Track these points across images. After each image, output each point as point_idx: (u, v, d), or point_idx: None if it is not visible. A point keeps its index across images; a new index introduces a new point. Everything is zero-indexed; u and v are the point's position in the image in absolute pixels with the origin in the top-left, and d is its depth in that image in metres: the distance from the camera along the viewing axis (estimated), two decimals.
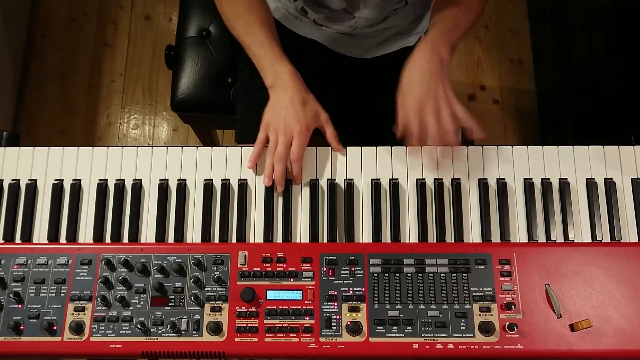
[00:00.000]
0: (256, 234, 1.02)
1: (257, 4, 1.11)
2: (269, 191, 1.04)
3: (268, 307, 0.94)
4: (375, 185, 1.04)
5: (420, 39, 1.06)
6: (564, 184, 1.04)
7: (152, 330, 0.93)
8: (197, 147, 1.07)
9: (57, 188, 1.04)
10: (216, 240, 1.02)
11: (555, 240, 1.01)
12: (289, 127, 1.02)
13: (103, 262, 0.96)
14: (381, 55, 1.31)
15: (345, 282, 0.95)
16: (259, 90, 1.30)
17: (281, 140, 1.02)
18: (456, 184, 1.04)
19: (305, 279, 0.95)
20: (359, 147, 1.07)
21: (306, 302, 0.94)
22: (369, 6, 1.14)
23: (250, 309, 0.94)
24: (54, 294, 0.95)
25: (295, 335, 0.93)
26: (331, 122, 1.07)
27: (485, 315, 0.93)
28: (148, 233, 1.02)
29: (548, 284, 0.95)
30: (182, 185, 1.04)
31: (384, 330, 0.93)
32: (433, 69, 1.01)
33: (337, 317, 0.93)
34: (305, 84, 1.07)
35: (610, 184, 1.04)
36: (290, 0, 1.23)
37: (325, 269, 0.96)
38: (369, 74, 1.33)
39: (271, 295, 0.95)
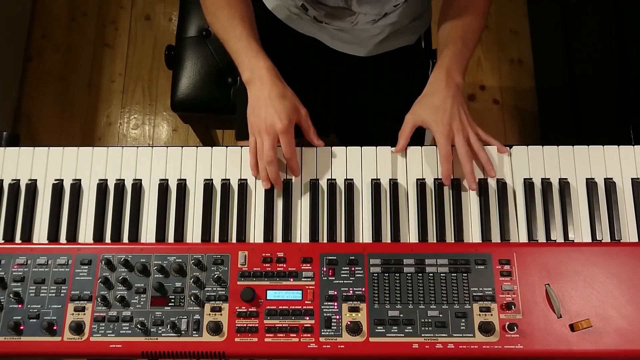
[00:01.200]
0: (256, 234, 1.02)
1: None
2: (269, 191, 1.04)
3: (268, 307, 0.94)
4: (375, 185, 1.04)
5: (432, 65, 1.09)
6: (564, 184, 1.04)
7: (152, 330, 0.93)
8: (197, 147, 1.07)
9: (57, 188, 1.04)
10: (216, 240, 1.02)
11: (555, 240, 1.01)
12: (270, 125, 1.01)
13: (103, 262, 0.96)
14: (381, 54, 1.31)
15: (345, 282, 0.95)
16: None
17: (266, 142, 1.01)
18: (456, 184, 1.04)
19: (305, 279, 0.95)
20: (359, 147, 1.07)
21: (306, 302, 0.94)
22: (368, 1, 1.14)
23: (250, 309, 0.94)
24: (54, 294, 0.95)
25: (295, 335, 0.93)
26: (310, 119, 1.07)
27: (485, 315, 0.93)
28: (148, 233, 1.02)
29: (548, 284, 0.95)
30: (182, 185, 1.04)
31: (384, 330, 0.93)
32: (454, 94, 1.04)
33: (337, 317, 0.94)
34: (282, 78, 1.06)
35: (610, 184, 1.04)
36: None
37: (325, 269, 0.96)
38: (370, 72, 1.33)
39: (271, 295, 0.95)
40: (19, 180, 1.05)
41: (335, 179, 1.05)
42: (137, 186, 1.04)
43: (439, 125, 1.02)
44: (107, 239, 1.02)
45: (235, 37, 1.07)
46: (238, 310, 0.94)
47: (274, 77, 1.04)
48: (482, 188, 1.04)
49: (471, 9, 1.13)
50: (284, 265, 0.96)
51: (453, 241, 1.01)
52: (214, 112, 1.61)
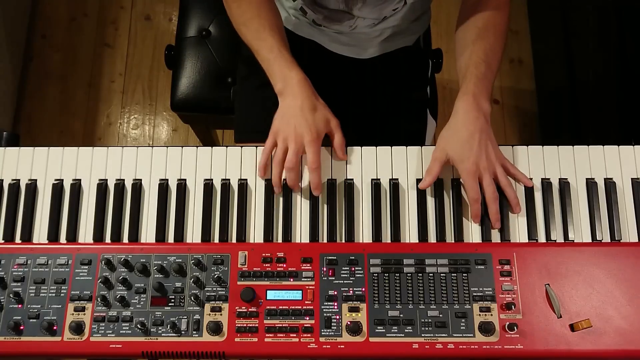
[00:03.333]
0: (256, 234, 1.02)
1: (267, 9, 1.10)
2: (269, 191, 1.04)
3: (268, 307, 0.94)
4: (375, 185, 1.04)
5: (459, 91, 1.04)
6: (564, 184, 1.04)
7: (152, 330, 0.93)
8: (197, 147, 1.07)
9: (57, 188, 1.04)
10: (216, 240, 1.02)
11: (555, 240, 1.01)
12: (299, 135, 1.01)
13: (103, 262, 0.96)
14: (380, 55, 1.31)
15: (345, 282, 0.95)
16: (256, 90, 1.30)
17: (292, 149, 1.01)
18: (456, 184, 1.04)
19: (305, 279, 0.95)
20: (359, 147, 1.07)
21: (306, 302, 0.94)
22: (368, 6, 1.14)
23: (250, 309, 0.94)
24: (54, 294, 0.95)
25: (295, 335, 0.93)
26: (341, 129, 1.06)
27: (485, 315, 0.93)
28: (148, 233, 1.02)
29: (548, 284, 0.95)
30: (182, 185, 1.04)
31: (384, 330, 0.93)
32: (481, 127, 1.01)
33: (337, 317, 0.93)
34: (315, 90, 1.06)
35: (610, 184, 1.04)
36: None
37: (325, 269, 0.96)
38: (369, 73, 1.33)
39: (271, 295, 0.95)
40: (19, 180, 1.05)
41: (335, 179, 1.05)
42: (137, 186, 1.04)
43: (465, 164, 1.00)
44: (107, 239, 1.02)
45: (267, 47, 1.06)
46: (238, 310, 0.94)
47: (307, 89, 1.04)
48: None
49: (492, 30, 1.09)
50: (284, 265, 0.96)
51: (453, 241, 1.01)
52: (214, 112, 1.62)
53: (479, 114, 1.01)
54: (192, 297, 0.94)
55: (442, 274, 0.95)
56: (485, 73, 1.04)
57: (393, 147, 1.07)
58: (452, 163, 1.02)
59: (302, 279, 0.95)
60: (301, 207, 1.03)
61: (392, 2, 1.14)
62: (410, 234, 1.02)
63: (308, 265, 0.96)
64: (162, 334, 0.93)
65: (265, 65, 1.08)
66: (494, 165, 1.01)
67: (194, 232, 1.02)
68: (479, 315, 0.93)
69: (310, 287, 0.95)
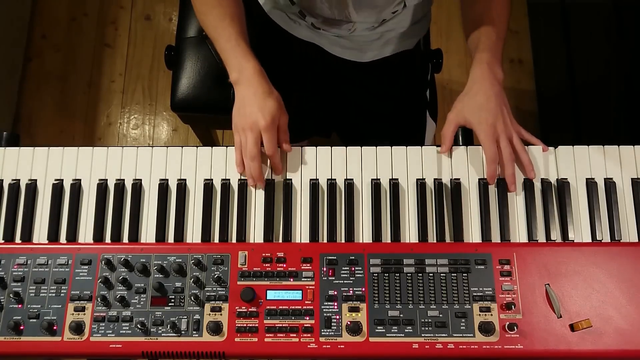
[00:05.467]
0: (256, 234, 1.02)
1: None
2: (269, 191, 1.04)
3: (268, 307, 0.94)
4: (375, 185, 1.04)
5: (474, 60, 1.09)
6: (564, 184, 1.04)
7: (152, 330, 0.93)
8: (197, 147, 1.07)
9: (57, 188, 1.04)
10: (216, 240, 1.02)
11: (555, 240, 1.01)
12: (254, 122, 1.02)
13: (103, 262, 0.96)
14: (380, 59, 1.30)
15: (345, 282, 0.95)
16: None
17: (249, 138, 1.02)
18: (456, 184, 1.04)
19: (305, 279, 0.95)
20: (359, 147, 1.07)
21: (306, 302, 0.94)
22: (363, 12, 1.14)
23: (250, 309, 0.94)
24: (54, 294, 0.95)
25: (295, 335, 0.93)
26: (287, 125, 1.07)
27: (485, 315, 0.93)
28: (148, 233, 1.02)
29: (548, 284, 0.95)
30: (182, 185, 1.04)
31: (384, 330, 0.93)
32: (497, 93, 1.04)
33: (337, 317, 0.94)
34: (269, 81, 1.06)
35: (610, 184, 1.04)
36: (288, 3, 1.22)
37: (325, 269, 0.96)
38: (368, 77, 1.33)
39: (271, 295, 0.95)
40: (19, 180, 1.05)
41: (335, 179, 1.05)
42: (137, 186, 1.04)
43: (482, 125, 1.02)
44: (107, 239, 1.02)
45: (225, 37, 1.07)
46: (238, 310, 0.94)
47: (261, 77, 1.05)
48: (482, 188, 1.04)
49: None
50: (284, 265, 0.96)
51: (453, 241, 1.01)
52: (214, 112, 1.62)
53: (494, 80, 1.05)
54: (192, 297, 0.94)
55: (442, 274, 0.95)
56: (496, 42, 1.08)
57: (393, 147, 1.07)
58: (468, 126, 1.05)
59: (302, 279, 0.95)
60: (301, 207, 1.03)
61: (391, 5, 1.14)
62: (410, 234, 1.02)
63: (308, 265, 0.96)
64: (162, 334, 0.93)
65: (222, 55, 1.09)
66: (510, 129, 1.04)
67: (194, 232, 1.02)
68: (479, 315, 0.93)
69: (310, 287, 0.95)
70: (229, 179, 1.05)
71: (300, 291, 0.95)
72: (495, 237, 1.01)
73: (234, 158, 1.06)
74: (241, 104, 1.05)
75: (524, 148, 1.04)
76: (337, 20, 1.18)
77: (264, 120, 1.01)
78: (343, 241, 1.01)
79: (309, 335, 0.93)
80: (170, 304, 0.95)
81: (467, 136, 1.09)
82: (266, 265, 0.96)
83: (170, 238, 1.02)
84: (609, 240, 1.01)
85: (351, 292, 0.95)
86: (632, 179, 1.05)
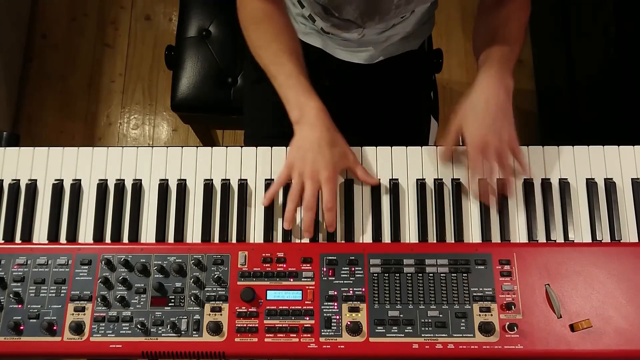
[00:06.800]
0: (256, 234, 1.02)
1: (285, 33, 1.07)
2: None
3: (268, 307, 0.94)
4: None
5: (482, 66, 1.04)
6: (564, 184, 1.04)
7: (152, 330, 0.93)
8: (197, 147, 1.07)
9: (57, 188, 1.04)
10: (216, 240, 1.02)
11: (555, 240, 1.01)
12: (315, 171, 0.97)
13: (103, 262, 0.96)
14: (385, 60, 1.30)
15: (345, 282, 0.95)
16: (268, 94, 1.30)
17: (309, 187, 0.97)
18: (456, 184, 1.04)
19: (305, 279, 0.95)
20: (359, 147, 1.07)
21: (306, 302, 0.94)
22: (381, 21, 1.13)
23: (250, 309, 0.94)
24: (54, 294, 0.95)
25: (295, 335, 0.93)
26: (358, 162, 1.04)
27: (485, 315, 0.93)
28: (148, 233, 1.02)
29: (548, 284, 0.95)
30: (182, 185, 1.04)
31: (384, 331, 0.93)
32: (500, 104, 0.99)
33: (337, 317, 0.93)
34: (332, 121, 1.01)
35: (610, 184, 1.04)
36: (297, 6, 1.22)
37: (325, 269, 0.96)
38: (373, 78, 1.32)
39: (271, 295, 0.95)
40: (19, 180, 1.05)
41: None
42: (137, 186, 1.04)
43: (473, 137, 0.99)
44: (107, 239, 1.02)
45: (285, 74, 1.03)
46: (238, 310, 0.94)
47: (325, 120, 1.00)
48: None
49: (516, 3, 1.07)
50: (284, 266, 0.96)
51: (453, 241, 1.01)
52: (214, 112, 1.62)
53: (500, 89, 1.00)
54: (192, 297, 0.94)
55: (442, 274, 0.95)
56: (510, 49, 1.03)
57: (393, 147, 1.07)
58: (462, 132, 1.01)
59: (302, 279, 0.95)
60: (301, 207, 1.03)
61: (402, 12, 1.14)
62: (410, 234, 1.02)
63: (308, 265, 0.96)
64: (162, 334, 0.93)
65: (281, 91, 1.04)
66: (502, 146, 0.99)
67: (194, 232, 1.02)
68: (479, 315, 0.93)
69: (310, 287, 0.95)
70: (229, 179, 1.05)
71: (300, 291, 0.95)
72: (495, 237, 1.01)
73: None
74: (302, 145, 0.99)
75: (510, 169, 1.01)
76: (348, 25, 1.17)
77: (326, 172, 0.97)
78: (343, 241, 1.01)
79: (309, 335, 0.93)
80: (170, 304, 0.95)
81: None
82: (266, 265, 0.96)
83: (170, 238, 1.02)
84: (609, 240, 1.01)
85: (351, 292, 0.95)
86: (632, 179, 1.05)
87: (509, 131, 1.00)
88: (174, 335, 0.93)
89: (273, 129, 1.26)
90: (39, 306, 0.95)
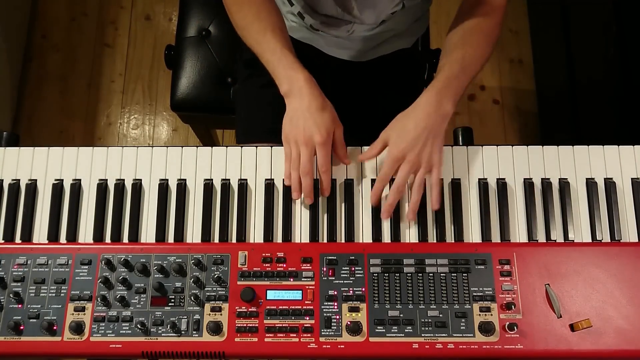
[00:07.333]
0: (256, 234, 1.02)
1: (266, 11, 1.08)
2: (269, 191, 1.04)
3: (268, 307, 0.94)
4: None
5: (431, 77, 1.02)
6: (564, 184, 1.04)
7: (152, 330, 0.93)
8: (197, 147, 1.07)
9: (57, 188, 1.04)
10: (216, 240, 1.02)
11: (555, 240, 1.01)
12: (309, 136, 1.00)
13: (103, 262, 0.96)
14: (378, 58, 1.30)
15: (345, 282, 0.95)
16: (258, 92, 1.30)
17: (304, 153, 1.00)
18: (456, 184, 1.04)
19: (305, 279, 0.95)
20: (359, 147, 1.07)
21: (306, 302, 0.94)
22: (366, 9, 1.13)
23: (250, 309, 0.94)
24: (54, 294, 0.95)
25: (295, 335, 0.93)
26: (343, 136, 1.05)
27: (485, 315, 0.93)
28: (148, 233, 1.02)
29: (548, 284, 0.95)
30: (182, 185, 1.04)
31: (384, 330, 0.93)
32: (430, 127, 0.99)
33: (337, 317, 0.94)
34: (321, 90, 1.04)
35: (610, 184, 1.04)
36: (286, 4, 1.22)
37: (325, 269, 0.96)
38: (365, 76, 1.32)
39: (271, 295, 0.95)
40: (19, 180, 1.05)
41: (335, 179, 1.05)
42: (137, 186, 1.04)
43: (392, 149, 1.00)
44: (107, 239, 1.02)
45: (270, 50, 1.05)
46: (238, 310, 0.94)
47: (313, 88, 1.02)
48: (482, 188, 1.04)
49: (478, 34, 1.08)
50: (284, 265, 0.96)
51: (453, 241, 1.01)
52: (214, 112, 1.62)
53: (435, 113, 1.00)
54: (192, 297, 0.94)
55: (442, 274, 0.95)
56: (458, 75, 1.02)
57: None
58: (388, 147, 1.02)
59: (302, 279, 0.95)
60: (301, 207, 1.03)
61: (390, 5, 1.14)
62: (410, 234, 1.02)
63: (308, 265, 0.96)
64: (162, 334, 0.93)
65: (269, 67, 1.06)
66: (420, 164, 1.00)
67: (194, 232, 1.02)
68: (479, 315, 0.93)
69: (310, 287, 0.95)
70: (229, 179, 1.05)
71: (300, 291, 0.95)
72: (495, 237, 1.01)
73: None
74: (294, 115, 1.02)
75: (420, 188, 1.00)
76: (336, 21, 1.18)
77: (320, 136, 0.99)
78: (343, 241, 1.01)
79: (309, 335, 0.93)
80: (170, 304, 0.95)
81: (467, 136, 1.09)
82: (266, 265, 0.96)
83: (170, 238, 1.02)
84: (609, 240, 1.01)
85: (351, 292, 0.95)
86: (632, 179, 1.05)
87: (430, 153, 1.00)
88: (174, 335, 0.93)
89: (265, 125, 1.26)
90: (39, 306, 0.95)
